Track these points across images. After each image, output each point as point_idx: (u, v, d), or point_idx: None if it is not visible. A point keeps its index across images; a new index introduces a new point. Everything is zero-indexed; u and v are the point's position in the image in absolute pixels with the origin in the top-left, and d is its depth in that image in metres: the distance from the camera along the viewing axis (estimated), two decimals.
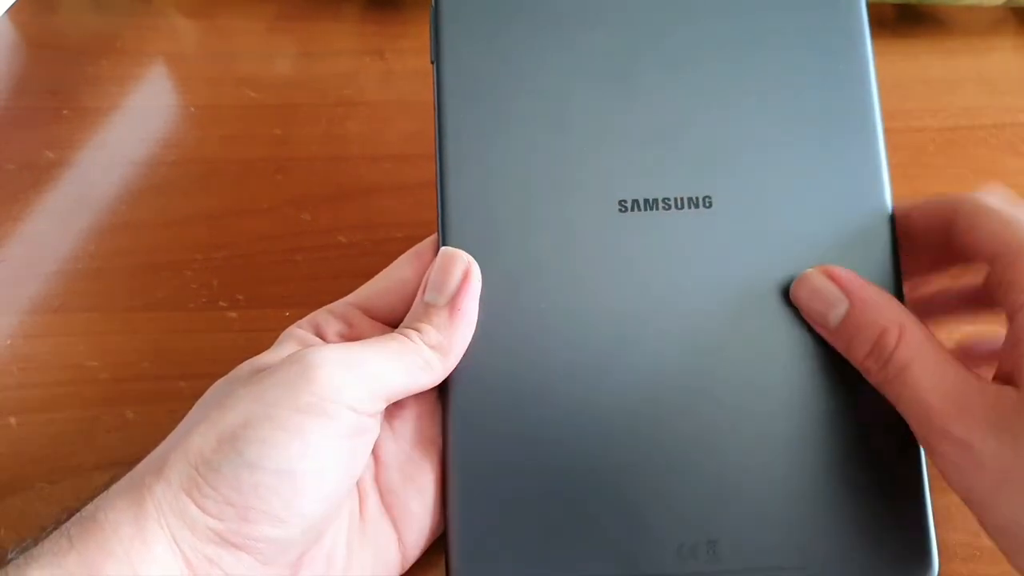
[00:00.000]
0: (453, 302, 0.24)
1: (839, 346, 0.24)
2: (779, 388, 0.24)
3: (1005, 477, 0.20)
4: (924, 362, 0.22)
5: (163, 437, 0.29)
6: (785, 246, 0.24)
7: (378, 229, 0.35)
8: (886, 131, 0.37)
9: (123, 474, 0.29)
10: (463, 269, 0.24)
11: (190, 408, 0.30)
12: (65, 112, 0.39)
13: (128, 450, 0.29)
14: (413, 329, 0.24)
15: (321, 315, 0.26)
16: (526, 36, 0.26)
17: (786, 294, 0.24)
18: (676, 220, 0.25)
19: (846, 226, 0.25)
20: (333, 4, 0.43)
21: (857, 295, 0.23)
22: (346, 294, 0.33)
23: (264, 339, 0.32)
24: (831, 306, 0.23)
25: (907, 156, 0.37)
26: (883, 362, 0.22)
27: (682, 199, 0.25)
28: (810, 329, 0.24)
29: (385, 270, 0.26)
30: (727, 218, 0.25)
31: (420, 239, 0.33)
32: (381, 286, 0.26)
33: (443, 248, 0.25)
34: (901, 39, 0.41)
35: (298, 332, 0.25)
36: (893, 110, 0.38)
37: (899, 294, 0.24)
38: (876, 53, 0.43)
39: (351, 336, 0.25)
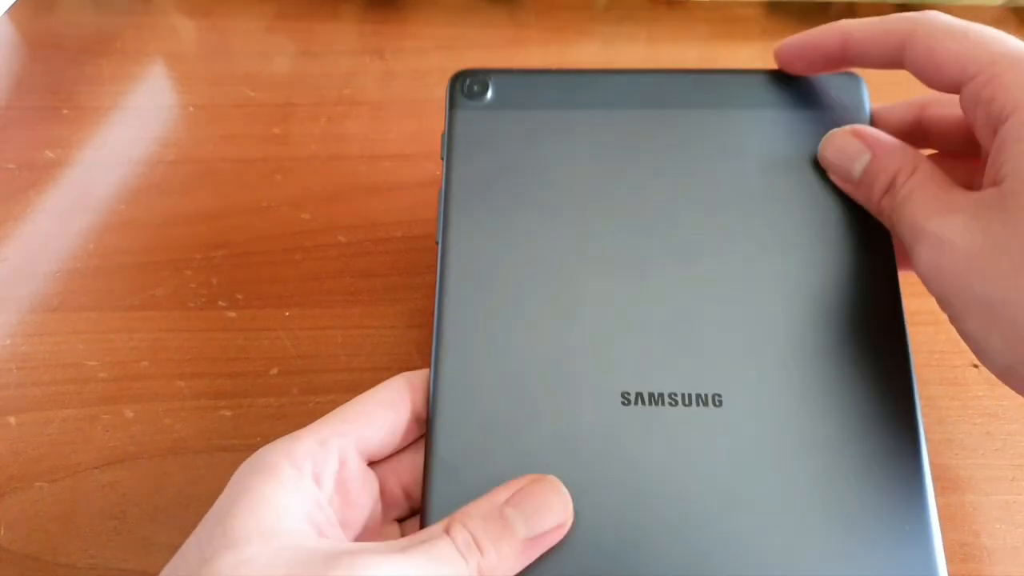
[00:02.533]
0: (532, 542, 0.21)
1: (860, 197, 0.25)
2: None
3: (975, 257, 0.21)
4: (926, 188, 0.23)
5: (162, 436, 0.30)
6: (798, 448, 0.23)
7: (377, 229, 0.35)
8: None
9: (122, 473, 0.29)
10: (563, 518, 0.21)
11: (188, 407, 0.30)
12: (65, 112, 0.39)
13: (127, 449, 0.29)
14: (477, 547, 0.20)
15: (322, 455, 0.21)
16: (535, 223, 0.25)
17: (797, 505, 0.22)
18: (683, 418, 0.23)
19: (872, 427, 0.23)
20: (332, 4, 0.43)
21: (878, 145, 0.24)
22: (345, 294, 0.33)
23: (263, 338, 0.32)
24: (854, 159, 0.24)
25: None
26: (893, 196, 0.23)
27: (690, 395, 0.23)
28: (818, 531, 0.22)
29: (373, 397, 0.23)
30: (737, 418, 0.23)
31: (419, 238, 0.34)
32: (371, 418, 0.23)
33: (554, 481, 0.22)
34: None
35: (292, 473, 0.21)
36: None
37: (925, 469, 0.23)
38: None
39: (343, 480, 0.22)
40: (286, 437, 0.22)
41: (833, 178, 0.25)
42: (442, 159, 0.26)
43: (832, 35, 0.25)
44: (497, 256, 0.25)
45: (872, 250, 0.25)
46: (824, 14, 0.42)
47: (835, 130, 0.25)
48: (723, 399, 0.23)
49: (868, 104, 0.27)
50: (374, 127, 0.38)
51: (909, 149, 0.24)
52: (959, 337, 0.26)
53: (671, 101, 0.27)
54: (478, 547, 0.20)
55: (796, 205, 0.25)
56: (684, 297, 0.24)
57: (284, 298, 0.33)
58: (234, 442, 0.29)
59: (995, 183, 0.21)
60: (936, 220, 0.22)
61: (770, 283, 0.25)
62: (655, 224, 0.25)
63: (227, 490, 0.20)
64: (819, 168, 0.26)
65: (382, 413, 0.23)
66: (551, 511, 0.21)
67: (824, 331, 0.24)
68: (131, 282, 0.33)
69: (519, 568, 0.21)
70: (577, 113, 0.27)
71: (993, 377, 0.22)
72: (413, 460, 0.23)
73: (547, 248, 0.25)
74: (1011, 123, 0.21)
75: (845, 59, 0.25)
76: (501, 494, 0.21)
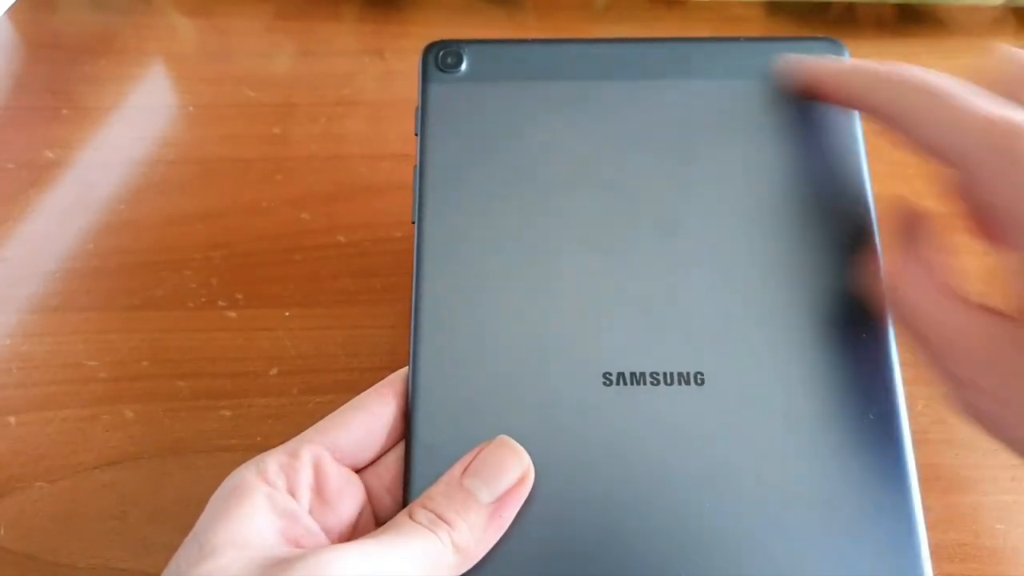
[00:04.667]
0: (498, 505, 0.21)
1: None
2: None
3: (1008, 405, 0.20)
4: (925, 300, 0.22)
5: (162, 436, 0.30)
6: (782, 430, 0.23)
7: (377, 229, 0.35)
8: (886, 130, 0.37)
9: (122, 473, 0.29)
10: (521, 472, 0.21)
11: (188, 407, 0.30)
12: (64, 111, 0.39)
13: (127, 449, 0.29)
14: (445, 522, 0.20)
15: (294, 465, 0.21)
16: (512, 200, 0.25)
17: (780, 483, 0.22)
18: (664, 397, 0.23)
19: (855, 406, 0.23)
20: (332, 3, 0.43)
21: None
22: (345, 294, 0.33)
23: (263, 338, 0.32)
24: None
25: (906, 155, 0.37)
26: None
27: (671, 374, 0.23)
28: (803, 522, 0.22)
29: (352, 404, 0.23)
30: (720, 397, 0.23)
31: None
32: (350, 424, 0.23)
33: (504, 438, 0.22)
34: (901, 39, 0.41)
35: (264, 489, 0.21)
36: None
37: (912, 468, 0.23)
38: (875, 53, 0.43)
39: (320, 489, 0.22)
40: (258, 456, 0.22)
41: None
42: (416, 135, 0.26)
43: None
44: (475, 235, 0.25)
45: (855, 225, 0.25)
46: (824, 14, 0.42)
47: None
48: (705, 377, 0.23)
49: None
50: (374, 127, 0.38)
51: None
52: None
53: (651, 71, 0.26)
54: (445, 522, 0.20)
55: (779, 179, 0.25)
56: (666, 274, 0.24)
57: (284, 298, 0.33)
58: (234, 442, 0.29)
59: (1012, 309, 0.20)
60: (961, 366, 0.21)
61: (752, 259, 0.24)
62: (636, 200, 0.25)
63: (203, 513, 0.21)
64: (802, 140, 0.25)
65: (353, 416, 0.23)
66: (507, 469, 0.21)
67: (806, 308, 0.24)
68: (131, 282, 0.33)
69: (495, 535, 0.21)
70: (555, 84, 0.26)
71: None
72: (397, 458, 0.23)
73: (526, 225, 0.25)
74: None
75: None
76: (457, 469, 0.21)
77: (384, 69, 0.40)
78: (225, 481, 0.21)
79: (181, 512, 0.28)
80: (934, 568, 0.22)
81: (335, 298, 0.33)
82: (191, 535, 0.20)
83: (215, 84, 0.40)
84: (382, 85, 0.40)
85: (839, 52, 0.27)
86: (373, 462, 0.23)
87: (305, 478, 0.21)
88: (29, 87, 0.40)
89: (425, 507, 0.21)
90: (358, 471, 0.23)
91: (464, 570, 0.21)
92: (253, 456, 0.22)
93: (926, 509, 0.28)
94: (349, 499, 0.22)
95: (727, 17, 0.42)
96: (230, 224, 0.35)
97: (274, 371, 0.31)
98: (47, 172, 0.37)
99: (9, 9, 0.43)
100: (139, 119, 0.38)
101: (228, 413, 0.30)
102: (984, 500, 0.28)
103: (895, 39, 0.41)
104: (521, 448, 0.22)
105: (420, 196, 0.25)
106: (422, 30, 0.42)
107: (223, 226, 0.35)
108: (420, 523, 0.20)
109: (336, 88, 0.39)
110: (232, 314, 0.32)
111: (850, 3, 0.42)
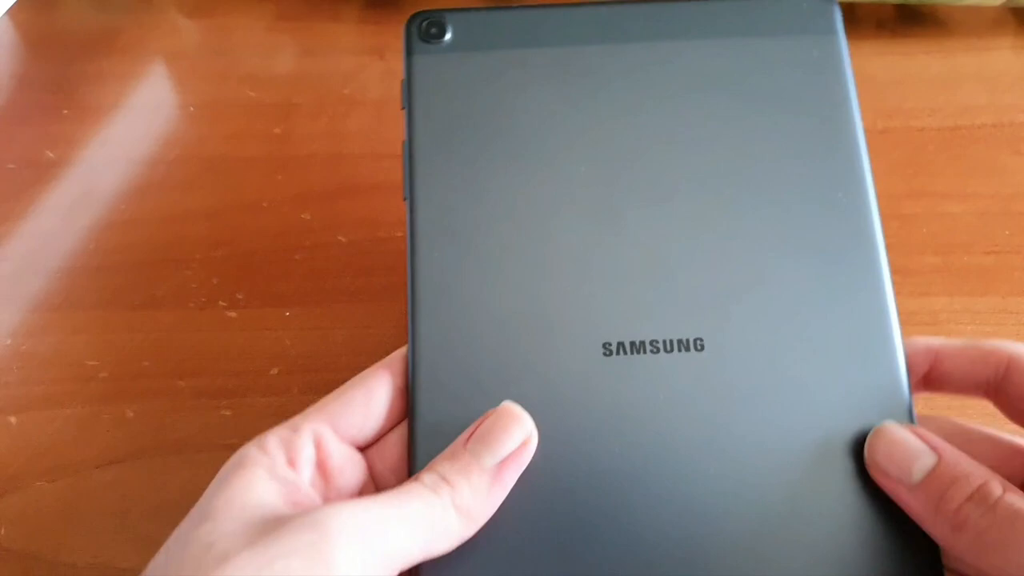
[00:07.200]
0: (500, 468, 0.21)
1: (917, 504, 0.21)
2: (783, 544, 0.22)
3: None
4: None
5: (163, 435, 0.30)
6: (783, 394, 0.23)
7: (378, 228, 0.35)
8: (886, 130, 0.37)
9: (123, 472, 0.29)
10: (524, 437, 0.22)
11: (189, 406, 0.30)
12: (66, 111, 0.39)
13: (128, 448, 0.29)
14: (445, 482, 0.21)
15: (295, 440, 0.22)
16: (505, 170, 0.24)
17: (783, 447, 0.22)
18: (665, 364, 0.23)
19: (853, 371, 0.23)
20: (333, 3, 0.43)
21: (945, 449, 0.21)
22: (346, 293, 0.33)
23: (264, 338, 0.32)
24: (915, 458, 0.21)
25: (906, 155, 0.37)
26: (988, 508, 0.19)
27: (671, 342, 0.23)
28: (807, 484, 0.22)
29: (352, 383, 0.24)
30: (720, 362, 0.23)
31: None
32: (349, 401, 0.23)
33: (508, 404, 0.22)
34: (901, 39, 0.41)
35: (265, 460, 0.21)
36: (892, 109, 0.38)
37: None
38: (876, 53, 0.43)
39: (322, 463, 0.22)
40: (260, 435, 0.22)
41: (880, 476, 0.22)
42: (403, 108, 0.25)
43: (918, 357, 0.23)
44: (468, 208, 0.24)
45: (847, 183, 0.24)
46: None
47: (886, 424, 0.22)
48: (704, 343, 0.23)
49: (842, 30, 0.26)
50: (375, 126, 0.38)
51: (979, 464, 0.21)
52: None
53: (637, 33, 0.26)
54: (447, 482, 0.21)
55: (772, 139, 0.25)
56: (663, 242, 0.24)
57: (285, 297, 0.33)
58: (235, 441, 0.29)
59: None
60: None
61: (747, 223, 0.24)
62: (630, 165, 0.25)
63: (208, 488, 0.21)
64: (794, 101, 0.25)
65: (353, 394, 0.23)
66: (511, 433, 0.22)
67: (802, 271, 0.24)
68: (132, 281, 0.33)
69: (498, 499, 0.21)
70: (540, 51, 0.26)
71: None
72: (399, 439, 0.24)
73: (519, 196, 0.24)
74: None
75: (927, 383, 0.23)
76: (462, 437, 0.22)
77: (385, 68, 0.40)
78: (228, 460, 0.22)
79: (182, 511, 0.28)
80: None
81: (336, 297, 0.33)
82: (194, 507, 0.20)
83: (216, 83, 0.40)
84: (383, 84, 0.40)
85: (831, 10, 0.26)
86: (375, 442, 0.24)
87: (307, 452, 0.22)
88: (30, 86, 0.40)
89: (431, 470, 0.21)
90: (360, 450, 0.23)
91: (469, 534, 0.21)
92: None
93: None
94: (351, 475, 0.23)
95: None
96: (231, 223, 0.35)
97: (275, 370, 0.31)
98: (49, 171, 0.37)
99: (10, 9, 0.43)
100: (140, 118, 0.38)
101: (229, 412, 0.30)
102: None
103: (895, 39, 0.41)
104: (525, 413, 0.22)
105: (410, 170, 0.25)
106: None
107: (224, 225, 0.35)
108: (423, 484, 0.21)
109: (337, 87, 0.39)
110: (233, 313, 0.33)
111: (850, 3, 0.42)
